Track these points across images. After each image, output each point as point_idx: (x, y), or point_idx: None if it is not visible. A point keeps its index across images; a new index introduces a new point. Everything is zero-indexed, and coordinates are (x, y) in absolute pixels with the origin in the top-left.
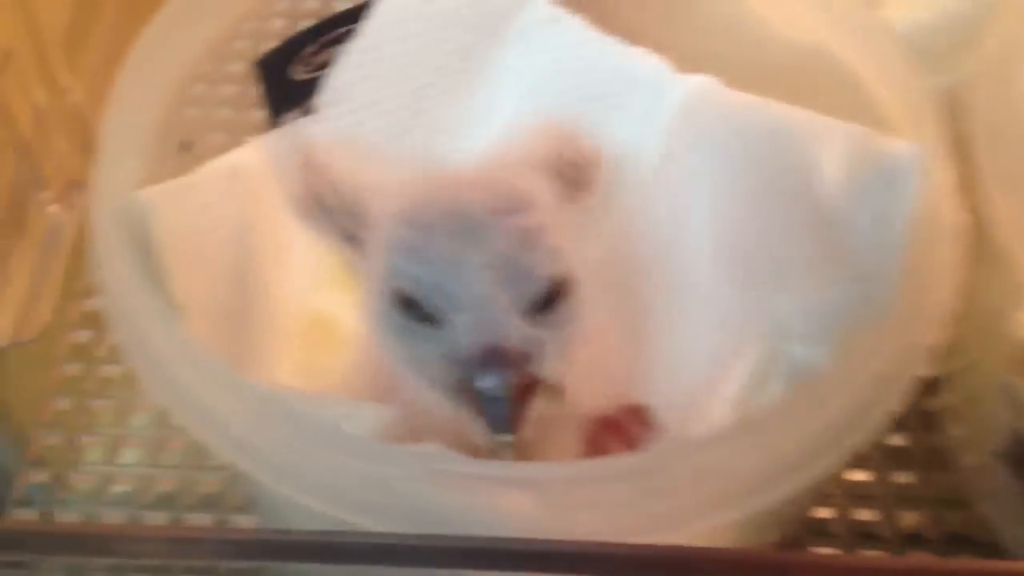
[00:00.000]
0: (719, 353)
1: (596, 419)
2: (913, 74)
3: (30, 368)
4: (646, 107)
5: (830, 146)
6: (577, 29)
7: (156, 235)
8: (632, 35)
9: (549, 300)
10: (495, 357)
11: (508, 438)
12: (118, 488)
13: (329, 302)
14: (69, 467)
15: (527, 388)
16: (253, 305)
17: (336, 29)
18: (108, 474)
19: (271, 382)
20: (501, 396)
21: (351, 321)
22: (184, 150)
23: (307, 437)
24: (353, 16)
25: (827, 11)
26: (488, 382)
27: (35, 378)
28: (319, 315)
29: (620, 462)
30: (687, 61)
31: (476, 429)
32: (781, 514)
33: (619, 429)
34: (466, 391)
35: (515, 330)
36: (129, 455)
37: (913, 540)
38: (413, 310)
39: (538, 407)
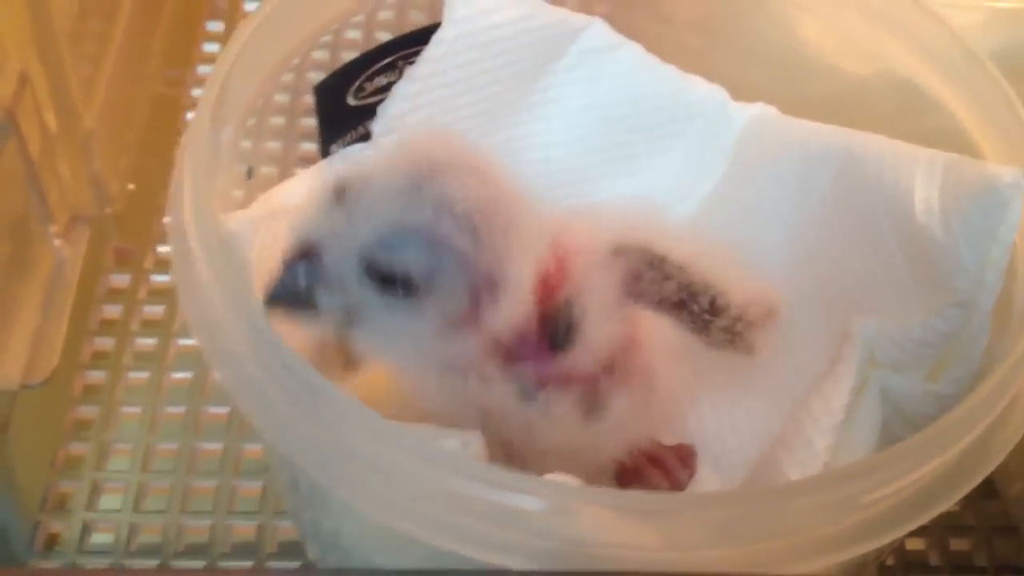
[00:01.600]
0: (798, 377)
1: (643, 451)
2: (1002, 95)
3: (42, 412)
4: (706, 134)
5: (921, 172)
6: (636, 56)
7: (245, 260)
8: (684, 63)
9: None
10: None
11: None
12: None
13: None
14: (89, 514)
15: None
16: None
17: (393, 54)
18: (132, 523)
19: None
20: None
21: None
22: (249, 176)
23: (420, 464)
24: (410, 41)
25: (899, 34)
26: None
27: (48, 422)
28: None
29: (742, 495)
30: (737, 90)
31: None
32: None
33: (665, 465)
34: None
35: None
36: (153, 502)
37: (963, 568)
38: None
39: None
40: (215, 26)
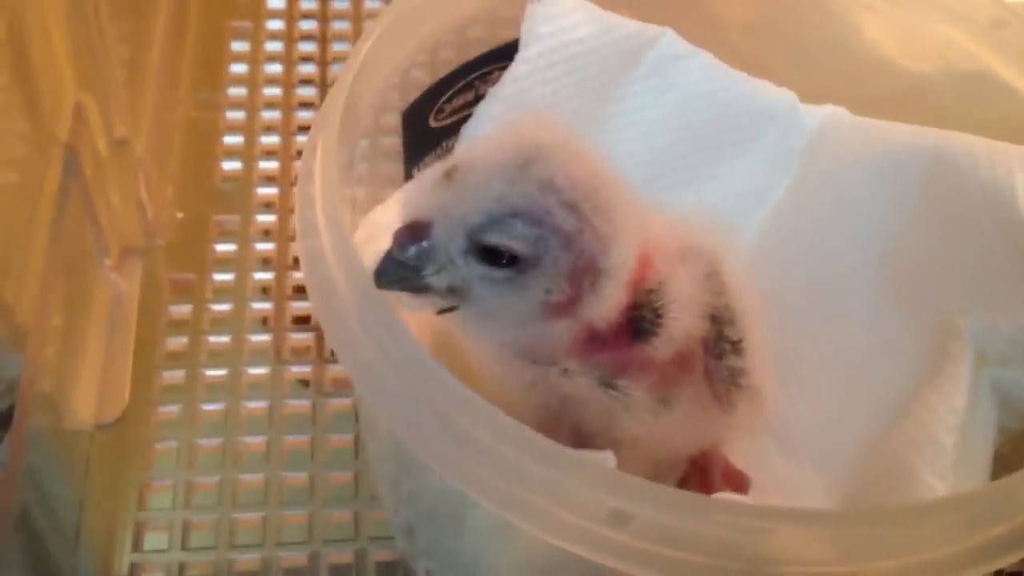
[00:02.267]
0: (895, 379)
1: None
2: None
3: (117, 451)
4: (780, 137)
5: (1019, 168)
6: (706, 64)
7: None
8: (753, 70)
9: None
10: None
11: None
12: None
13: None
14: (180, 553)
15: None
16: None
17: (469, 75)
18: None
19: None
20: None
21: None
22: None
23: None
24: (483, 62)
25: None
26: None
27: (124, 460)
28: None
29: (915, 509)
30: (808, 94)
31: None
32: None
33: (736, 480)
34: None
35: None
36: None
37: None
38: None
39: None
40: (240, 46)
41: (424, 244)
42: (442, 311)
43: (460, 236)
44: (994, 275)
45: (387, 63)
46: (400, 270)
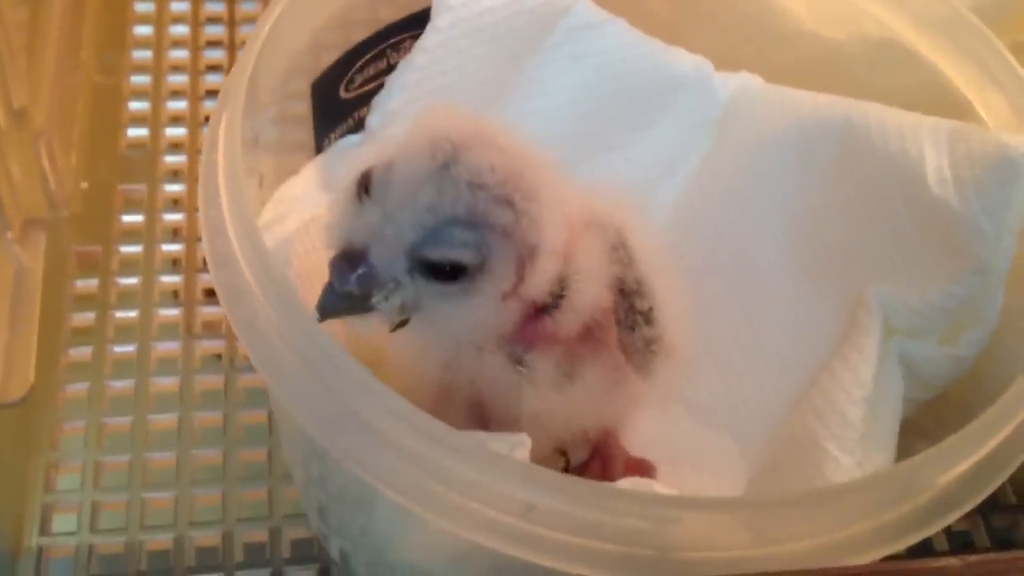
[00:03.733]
0: (809, 347)
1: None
2: (997, 56)
3: (23, 431)
4: (693, 106)
5: (928, 141)
6: (621, 31)
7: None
8: (667, 37)
9: None
10: None
11: None
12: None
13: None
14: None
15: None
16: None
17: (380, 45)
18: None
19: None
20: None
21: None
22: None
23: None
24: (395, 30)
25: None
26: None
27: (30, 440)
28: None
29: (823, 493)
30: (721, 62)
31: None
32: None
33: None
34: None
35: None
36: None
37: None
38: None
39: None
40: (144, 7)
41: (362, 271)
42: (396, 327)
43: (400, 256)
44: (902, 247)
45: (298, 30)
46: (345, 301)
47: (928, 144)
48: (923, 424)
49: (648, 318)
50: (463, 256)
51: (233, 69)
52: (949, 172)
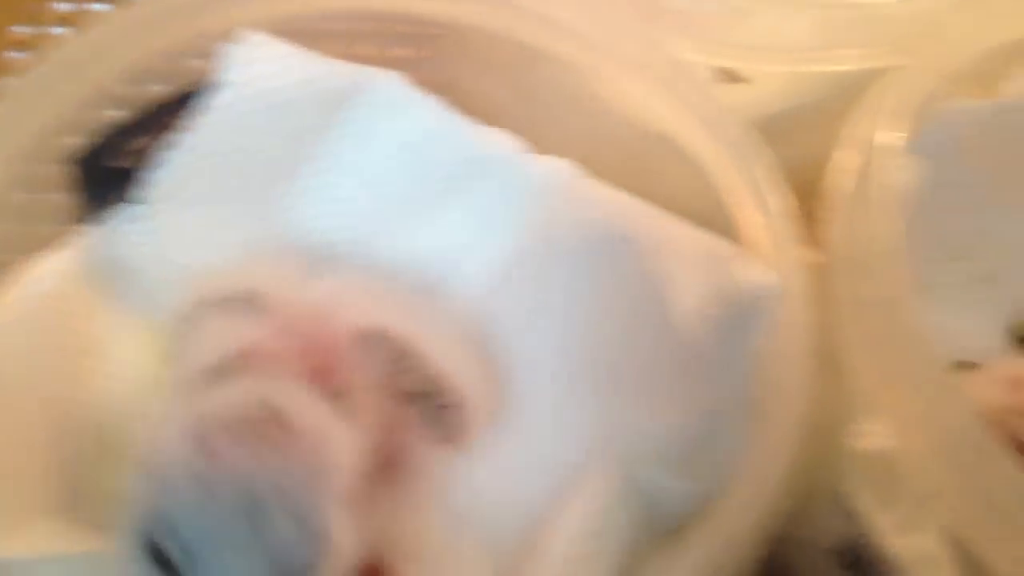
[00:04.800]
0: (561, 478)
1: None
2: (761, 163)
3: None
4: (494, 194)
5: (688, 264)
6: (428, 110)
7: None
8: (487, 115)
9: None
10: None
11: None
12: None
13: None
14: None
15: None
16: None
17: (165, 115)
18: None
19: None
20: None
21: None
22: None
23: None
24: (180, 103)
25: (668, 95)
26: None
27: None
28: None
29: None
30: (542, 140)
31: None
32: None
33: None
34: None
35: None
36: None
37: None
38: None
39: None
40: (21, 30)
41: None
42: None
43: None
44: (654, 373)
45: (62, 94)
46: None
47: (687, 266)
48: None
49: (453, 408)
50: None
51: None
52: (698, 302)
